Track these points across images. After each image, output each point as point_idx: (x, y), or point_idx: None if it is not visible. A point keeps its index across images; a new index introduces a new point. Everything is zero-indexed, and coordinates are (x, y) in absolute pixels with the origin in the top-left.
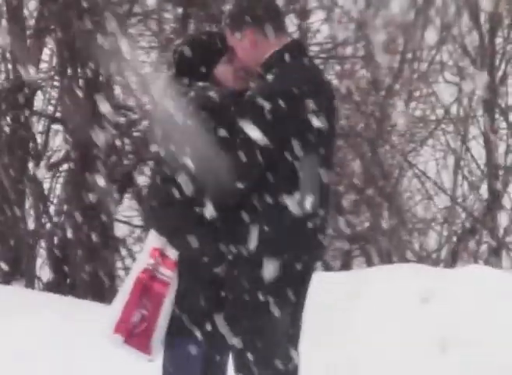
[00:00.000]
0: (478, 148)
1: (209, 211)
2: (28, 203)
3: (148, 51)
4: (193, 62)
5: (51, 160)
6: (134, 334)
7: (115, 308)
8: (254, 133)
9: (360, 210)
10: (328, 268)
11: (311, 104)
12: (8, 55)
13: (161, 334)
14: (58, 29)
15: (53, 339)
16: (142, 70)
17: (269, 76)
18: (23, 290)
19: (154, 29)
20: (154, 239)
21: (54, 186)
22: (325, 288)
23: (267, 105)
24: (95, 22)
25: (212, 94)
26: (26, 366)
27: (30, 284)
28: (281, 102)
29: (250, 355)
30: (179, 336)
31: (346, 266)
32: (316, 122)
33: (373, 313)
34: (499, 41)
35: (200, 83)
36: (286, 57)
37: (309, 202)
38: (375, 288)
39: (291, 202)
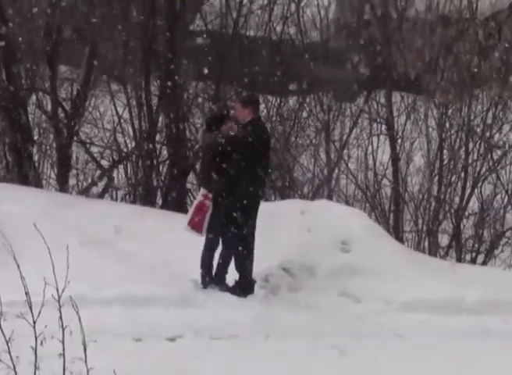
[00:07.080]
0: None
1: (220, 178)
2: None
3: (200, 117)
4: (213, 124)
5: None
6: (195, 226)
7: (187, 216)
8: (242, 149)
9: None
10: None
11: (263, 139)
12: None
13: (205, 227)
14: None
15: (161, 229)
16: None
17: (248, 128)
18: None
19: (204, 110)
20: (202, 189)
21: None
22: (261, 209)
23: (245, 140)
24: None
25: (219, 137)
26: (148, 242)
27: (152, 205)
28: (253, 139)
29: (240, 244)
30: (211, 230)
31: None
32: (264, 146)
33: (278, 217)
34: None
35: (215, 133)
36: (255, 121)
37: (263, 177)
38: (282, 207)
39: (259, 177)
